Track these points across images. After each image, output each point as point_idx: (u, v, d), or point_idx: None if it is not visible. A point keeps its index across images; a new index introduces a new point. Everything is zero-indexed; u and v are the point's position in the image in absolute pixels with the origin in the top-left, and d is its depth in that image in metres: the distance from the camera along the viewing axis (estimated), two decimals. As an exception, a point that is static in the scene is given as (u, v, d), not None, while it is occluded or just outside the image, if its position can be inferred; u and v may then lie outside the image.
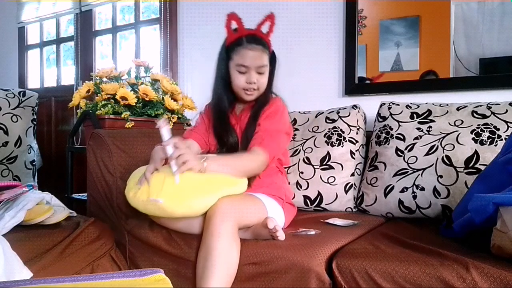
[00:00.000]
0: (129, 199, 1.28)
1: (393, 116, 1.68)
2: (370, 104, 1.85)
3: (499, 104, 1.53)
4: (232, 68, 1.42)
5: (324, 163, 1.70)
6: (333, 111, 1.82)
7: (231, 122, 1.50)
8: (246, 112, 1.50)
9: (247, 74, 1.41)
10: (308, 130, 1.81)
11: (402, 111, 1.67)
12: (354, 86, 2.02)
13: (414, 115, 1.63)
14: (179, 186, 1.20)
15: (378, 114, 1.75)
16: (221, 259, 1.13)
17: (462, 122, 1.52)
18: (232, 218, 1.18)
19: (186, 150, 1.24)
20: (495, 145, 1.42)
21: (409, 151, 1.55)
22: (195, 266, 1.19)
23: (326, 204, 1.67)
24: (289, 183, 1.63)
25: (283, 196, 1.47)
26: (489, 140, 1.44)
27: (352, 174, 1.69)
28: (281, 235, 1.21)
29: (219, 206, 1.19)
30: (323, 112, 1.85)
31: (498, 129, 1.45)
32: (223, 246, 1.14)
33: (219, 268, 1.12)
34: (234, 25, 1.42)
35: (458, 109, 1.57)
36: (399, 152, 1.57)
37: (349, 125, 1.75)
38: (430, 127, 1.57)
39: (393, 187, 1.53)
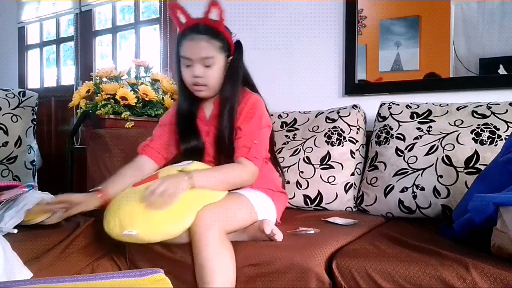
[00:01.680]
0: (106, 232, 1.21)
1: (393, 116, 1.68)
2: (370, 104, 1.84)
3: (499, 104, 1.52)
4: (181, 63, 1.33)
5: (324, 163, 1.70)
6: (333, 111, 1.82)
7: (200, 127, 1.42)
8: (217, 117, 1.40)
9: (192, 67, 1.31)
10: (308, 129, 1.81)
11: (402, 111, 1.67)
12: (354, 86, 2.02)
13: (414, 115, 1.63)
14: (150, 213, 1.14)
15: (378, 114, 1.75)
16: (216, 268, 1.11)
17: (462, 122, 1.52)
18: (215, 225, 1.15)
19: (161, 184, 1.14)
20: (495, 145, 1.42)
21: (409, 151, 1.55)
22: (193, 268, 1.18)
23: (326, 204, 1.66)
24: (281, 172, 1.58)
25: (273, 186, 1.43)
26: (489, 140, 1.44)
27: (352, 174, 1.69)
28: (278, 237, 1.20)
29: (199, 217, 1.15)
30: (323, 112, 1.85)
31: (498, 129, 1.45)
32: (213, 255, 1.12)
33: (216, 277, 1.11)
34: (182, 17, 1.34)
35: (458, 109, 1.57)
36: (399, 152, 1.57)
37: (349, 125, 1.75)
38: (430, 127, 1.57)
39: (393, 187, 1.53)
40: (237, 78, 1.37)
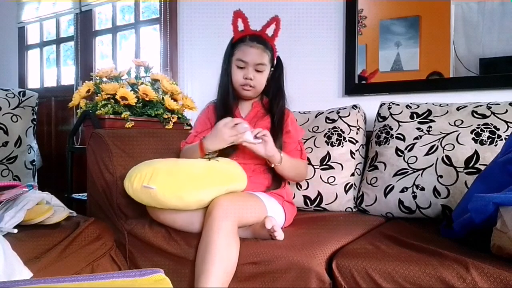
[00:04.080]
0: (125, 188, 1.28)
1: (393, 116, 1.68)
2: (370, 104, 1.84)
3: (499, 104, 1.52)
4: (233, 63, 1.48)
5: (324, 163, 1.70)
6: (333, 111, 1.82)
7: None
8: (257, 118, 1.53)
9: (245, 69, 1.47)
10: (308, 130, 1.81)
11: (402, 111, 1.67)
12: (354, 86, 2.02)
13: (414, 115, 1.63)
14: (173, 175, 1.22)
15: (378, 114, 1.75)
16: (220, 257, 1.13)
17: (462, 122, 1.52)
18: (233, 216, 1.18)
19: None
20: (495, 145, 1.42)
21: (409, 151, 1.55)
22: (193, 265, 1.19)
23: (326, 204, 1.66)
24: (288, 183, 1.63)
25: (284, 194, 1.48)
26: (489, 140, 1.44)
27: (352, 174, 1.69)
28: (279, 235, 1.21)
29: (220, 203, 1.19)
30: (323, 112, 1.85)
31: (498, 129, 1.45)
32: (222, 244, 1.14)
33: (217, 265, 1.12)
34: (240, 24, 1.47)
35: (458, 109, 1.57)
36: (399, 152, 1.57)
37: (349, 125, 1.75)
38: (430, 127, 1.57)
39: (393, 187, 1.53)
40: (283, 92, 1.56)
